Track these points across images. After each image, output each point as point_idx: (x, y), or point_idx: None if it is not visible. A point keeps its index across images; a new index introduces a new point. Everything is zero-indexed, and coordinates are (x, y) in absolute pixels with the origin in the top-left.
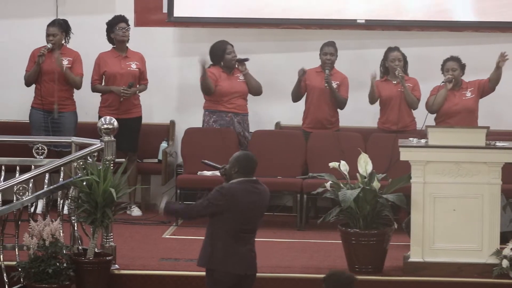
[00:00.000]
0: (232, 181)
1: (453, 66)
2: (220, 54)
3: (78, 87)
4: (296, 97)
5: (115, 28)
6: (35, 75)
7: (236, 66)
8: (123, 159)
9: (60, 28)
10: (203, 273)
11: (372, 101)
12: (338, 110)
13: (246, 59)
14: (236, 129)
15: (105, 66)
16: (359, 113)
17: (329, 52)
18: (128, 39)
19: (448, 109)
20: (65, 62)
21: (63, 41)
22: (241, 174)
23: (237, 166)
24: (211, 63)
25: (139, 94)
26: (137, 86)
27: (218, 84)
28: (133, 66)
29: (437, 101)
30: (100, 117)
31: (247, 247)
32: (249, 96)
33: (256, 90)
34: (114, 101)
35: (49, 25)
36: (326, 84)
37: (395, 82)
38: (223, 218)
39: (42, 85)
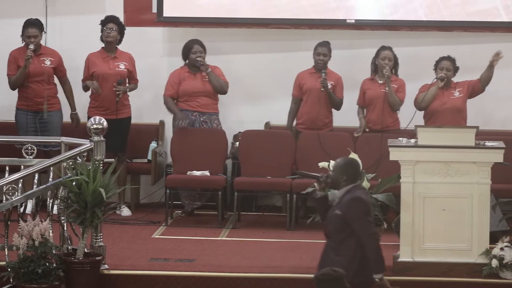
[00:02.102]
0: (346, 188)
1: (448, 66)
2: (186, 52)
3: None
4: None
5: (104, 28)
6: (22, 78)
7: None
8: (113, 159)
9: (39, 29)
10: (192, 273)
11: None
12: (333, 110)
13: (207, 70)
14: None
15: (94, 66)
16: (349, 112)
17: (322, 53)
18: (117, 40)
19: (436, 107)
20: (47, 62)
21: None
22: (350, 181)
23: (346, 174)
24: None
25: (129, 94)
26: (126, 85)
27: (181, 83)
28: (122, 66)
29: (427, 98)
30: (89, 117)
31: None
32: (240, 95)
33: (218, 89)
34: (104, 102)
35: (27, 26)
36: (322, 88)
37: (381, 82)
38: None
39: (28, 87)
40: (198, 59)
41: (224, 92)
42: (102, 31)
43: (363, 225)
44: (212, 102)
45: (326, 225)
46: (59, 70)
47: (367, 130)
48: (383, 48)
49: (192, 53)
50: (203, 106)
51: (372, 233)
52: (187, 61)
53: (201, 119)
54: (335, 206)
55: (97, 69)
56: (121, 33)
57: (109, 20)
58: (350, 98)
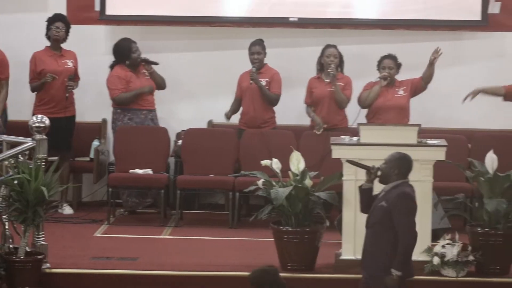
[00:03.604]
0: (396, 183)
1: (390, 65)
2: (126, 53)
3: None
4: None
5: (52, 26)
6: None
7: (142, 64)
8: (55, 158)
9: None
10: (135, 272)
11: (363, 105)
12: (274, 108)
13: (155, 63)
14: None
15: (42, 64)
16: (293, 111)
17: (255, 51)
18: (64, 39)
19: (380, 105)
20: None
21: None
22: (401, 175)
23: (398, 168)
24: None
25: (74, 92)
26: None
27: (130, 83)
28: (70, 63)
29: (370, 97)
30: None
31: None
32: (183, 94)
33: (161, 85)
34: (51, 100)
35: None
36: (251, 81)
37: (327, 80)
38: None
39: None
40: (142, 56)
41: (165, 86)
42: (48, 29)
43: (406, 223)
44: (154, 99)
45: (368, 216)
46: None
47: (325, 125)
48: (328, 46)
49: (133, 52)
50: (150, 104)
51: (413, 233)
52: (127, 61)
53: (149, 116)
54: (380, 198)
55: (47, 67)
56: (67, 31)
57: (57, 19)
58: (294, 97)
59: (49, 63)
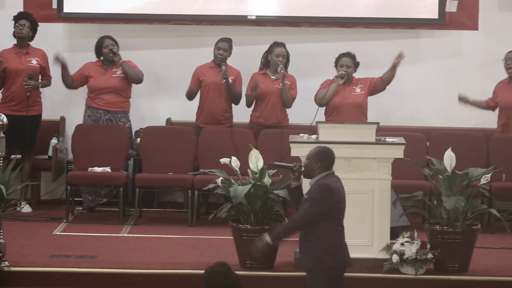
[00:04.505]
0: (320, 176)
1: (348, 63)
2: (98, 48)
3: None
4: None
5: (16, 24)
6: None
7: (111, 56)
8: (15, 156)
9: None
10: (94, 270)
11: (321, 103)
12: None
13: (120, 60)
14: None
15: (5, 62)
16: (245, 109)
17: (222, 47)
18: (30, 36)
19: (338, 103)
20: None
21: None
22: (324, 168)
23: (319, 161)
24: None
25: (41, 91)
26: (39, 80)
27: (88, 78)
28: (34, 62)
29: (328, 95)
30: None
31: (344, 239)
32: (141, 92)
33: (134, 78)
34: (15, 97)
35: None
36: (224, 80)
37: (273, 77)
38: (329, 215)
39: None
40: (110, 48)
41: (140, 80)
42: (14, 27)
43: (308, 208)
44: (120, 100)
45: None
46: None
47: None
48: (276, 44)
49: (103, 47)
50: (109, 104)
51: (305, 220)
52: (101, 57)
53: (106, 117)
54: (306, 193)
55: (9, 65)
56: (33, 29)
57: (21, 17)
58: None
59: (12, 61)
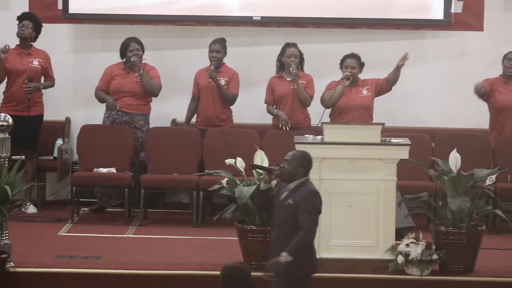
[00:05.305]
0: (300, 181)
1: (352, 64)
2: (123, 50)
3: None
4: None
5: (19, 24)
6: None
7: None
8: (19, 156)
9: None
10: (99, 271)
11: (327, 105)
12: (231, 107)
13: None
14: None
15: (6, 62)
16: (254, 109)
17: (215, 50)
18: (32, 37)
19: (343, 105)
20: None
21: None
22: (305, 173)
23: (302, 167)
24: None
25: (43, 92)
26: (40, 82)
27: (113, 81)
28: (35, 63)
29: (334, 97)
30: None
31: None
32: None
33: (149, 92)
34: (16, 97)
35: None
36: (210, 79)
37: (289, 79)
38: None
39: None
40: (132, 58)
41: (155, 95)
42: (18, 27)
43: (311, 220)
44: (139, 103)
45: (274, 215)
46: None
47: (291, 121)
48: (288, 45)
49: (128, 51)
50: (128, 106)
51: (313, 231)
52: (124, 59)
53: (123, 119)
54: (285, 196)
55: (10, 65)
56: (36, 30)
57: (24, 17)
58: (256, 95)
59: (13, 62)
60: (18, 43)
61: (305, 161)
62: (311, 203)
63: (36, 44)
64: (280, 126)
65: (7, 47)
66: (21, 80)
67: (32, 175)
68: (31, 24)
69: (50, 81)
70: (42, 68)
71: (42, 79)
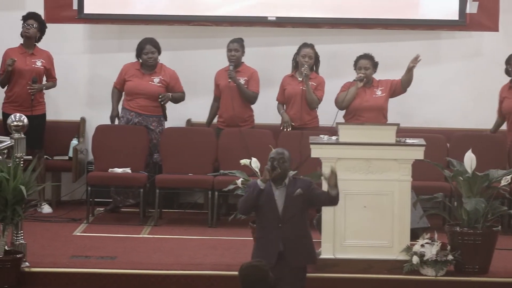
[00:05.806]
0: (291, 174)
1: (366, 65)
2: (139, 52)
3: None
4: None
5: (24, 24)
6: None
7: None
8: (30, 156)
9: None
10: (114, 271)
11: (341, 106)
12: (253, 107)
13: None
14: None
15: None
16: (270, 109)
17: (233, 48)
18: (37, 37)
19: (358, 106)
20: None
21: None
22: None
23: (289, 162)
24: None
25: (45, 92)
26: (42, 82)
27: (126, 81)
28: (38, 63)
29: (347, 98)
30: (4, 114)
31: None
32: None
33: (177, 101)
34: (18, 97)
35: None
36: (229, 79)
37: (300, 79)
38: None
39: None
40: (162, 99)
41: (177, 102)
42: (22, 26)
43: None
44: (154, 104)
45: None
46: None
47: (293, 124)
48: (304, 45)
49: (143, 53)
50: (142, 108)
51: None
52: (140, 59)
53: (136, 120)
54: (289, 190)
55: (13, 65)
56: (41, 30)
57: (30, 17)
58: (273, 96)
59: (16, 61)
60: (22, 42)
61: (289, 158)
62: (316, 187)
63: (51, 44)
64: (281, 128)
65: (12, 60)
66: (24, 81)
67: (42, 174)
68: (36, 23)
69: (52, 82)
70: (45, 68)
71: (44, 79)
